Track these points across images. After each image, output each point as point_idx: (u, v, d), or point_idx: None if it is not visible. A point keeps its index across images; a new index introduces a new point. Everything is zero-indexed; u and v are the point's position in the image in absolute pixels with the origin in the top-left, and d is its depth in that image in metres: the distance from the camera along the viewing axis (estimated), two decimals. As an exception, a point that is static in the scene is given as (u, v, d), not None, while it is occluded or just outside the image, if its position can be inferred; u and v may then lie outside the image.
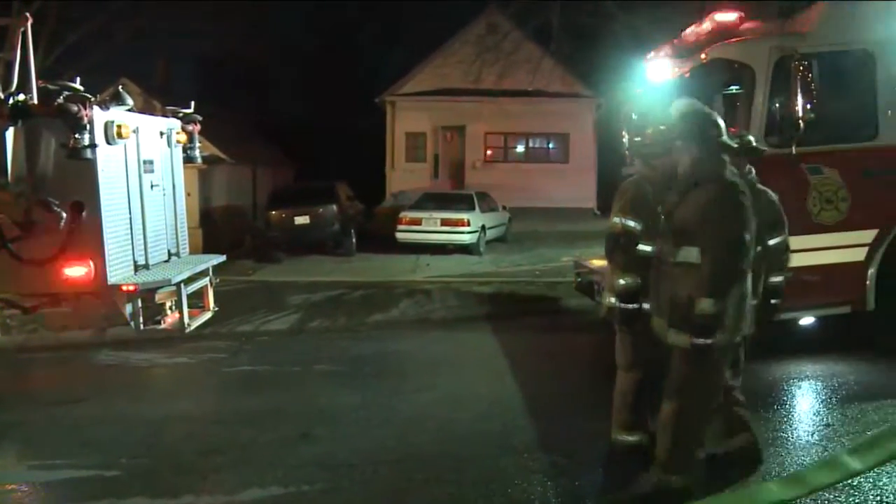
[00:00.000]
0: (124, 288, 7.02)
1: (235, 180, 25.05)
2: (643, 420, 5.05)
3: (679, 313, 4.34)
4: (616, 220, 4.96)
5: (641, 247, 4.85)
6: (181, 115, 8.75)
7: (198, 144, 9.08)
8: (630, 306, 4.85)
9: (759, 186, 5.07)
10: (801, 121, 6.60)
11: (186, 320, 8.25)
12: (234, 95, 30.55)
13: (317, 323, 10.80)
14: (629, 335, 4.99)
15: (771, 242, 4.97)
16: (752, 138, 5.49)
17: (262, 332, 10.36)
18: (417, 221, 18.75)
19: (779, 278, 5.06)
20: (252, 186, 26.98)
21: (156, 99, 19.82)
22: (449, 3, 29.22)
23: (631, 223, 4.87)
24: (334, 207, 19.12)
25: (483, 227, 19.05)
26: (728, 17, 7.77)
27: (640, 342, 4.89)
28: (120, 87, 8.11)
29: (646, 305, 4.80)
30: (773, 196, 5.13)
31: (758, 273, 4.78)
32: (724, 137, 4.48)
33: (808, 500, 4.30)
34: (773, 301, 5.06)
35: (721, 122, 4.49)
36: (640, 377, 4.99)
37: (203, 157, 9.84)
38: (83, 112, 6.20)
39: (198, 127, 8.91)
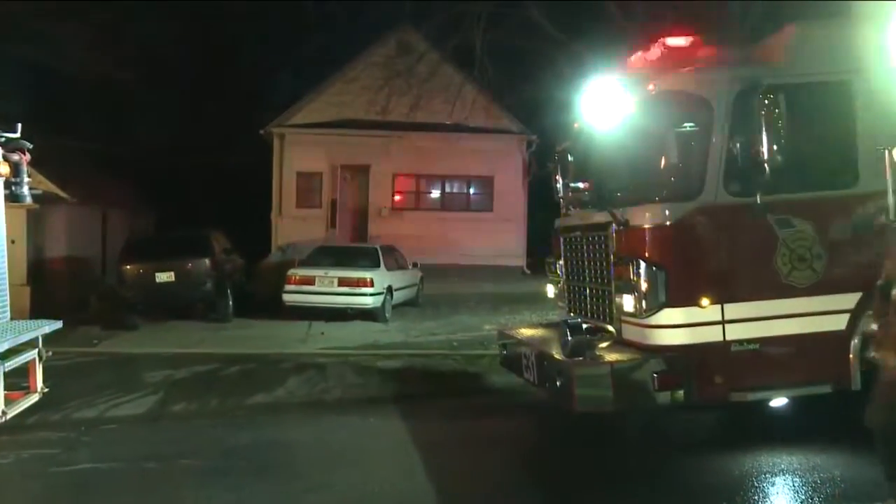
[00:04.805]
0: (-81, 363, 6.63)
1: (79, 225, 24.52)
2: None
3: None
4: None
5: None
6: (4, 140, 8.46)
7: (26, 178, 8.79)
8: None
9: None
10: (766, 164, 6.68)
11: (2, 406, 7.83)
12: (80, 119, 29.86)
13: (181, 406, 10.61)
14: None
15: None
16: None
17: (109, 419, 10.01)
18: (310, 280, 18.74)
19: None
20: (101, 233, 26.32)
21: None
22: (353, 15, 29.45)
23: None
24: (207, 262, 19.27)
25: (390, 289, 19.20)
26: (680, 41, 7.93)
27: None
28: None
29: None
30: None
31: None
32: None
33: None
34: None
35: None
36: None
37: (34, 195, 9.54)
38: None
39: (27, 156, 8.65)
